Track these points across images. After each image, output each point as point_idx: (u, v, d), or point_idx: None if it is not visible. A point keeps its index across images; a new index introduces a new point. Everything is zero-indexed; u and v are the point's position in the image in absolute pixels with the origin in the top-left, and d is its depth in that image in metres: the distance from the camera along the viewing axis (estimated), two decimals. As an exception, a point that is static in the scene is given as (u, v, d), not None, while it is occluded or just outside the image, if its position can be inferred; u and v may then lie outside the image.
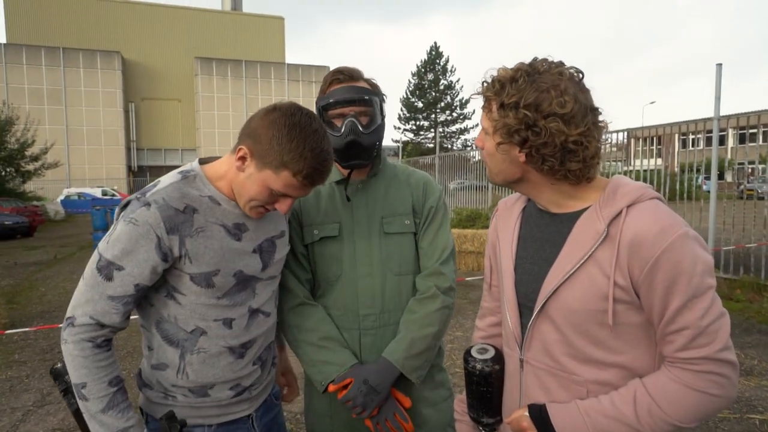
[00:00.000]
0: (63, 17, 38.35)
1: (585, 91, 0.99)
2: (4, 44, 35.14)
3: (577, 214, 1.03)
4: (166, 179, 1.24)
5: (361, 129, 1.41)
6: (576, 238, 1.00)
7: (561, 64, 1.00)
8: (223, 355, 1.26)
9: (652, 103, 57.36)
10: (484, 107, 1.05)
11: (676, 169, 9.46)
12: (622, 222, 0.94)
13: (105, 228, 11.91)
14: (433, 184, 1.60)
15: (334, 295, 1.50)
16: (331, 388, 1.42)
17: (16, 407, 3.68)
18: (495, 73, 1.03)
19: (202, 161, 1.32)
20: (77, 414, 1.19)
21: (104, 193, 27.61)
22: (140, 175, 38.08)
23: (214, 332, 1.25)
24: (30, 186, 24.77)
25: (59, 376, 1.24)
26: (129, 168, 38.52)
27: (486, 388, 1.15)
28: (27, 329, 5.47)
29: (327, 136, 1.21)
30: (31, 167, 22.49)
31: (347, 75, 1.47)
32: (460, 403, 1.31)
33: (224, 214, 1.25)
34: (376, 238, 1.50)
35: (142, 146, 39.91)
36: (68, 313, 1.17)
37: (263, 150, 1.17)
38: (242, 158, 1.20)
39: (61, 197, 26.98)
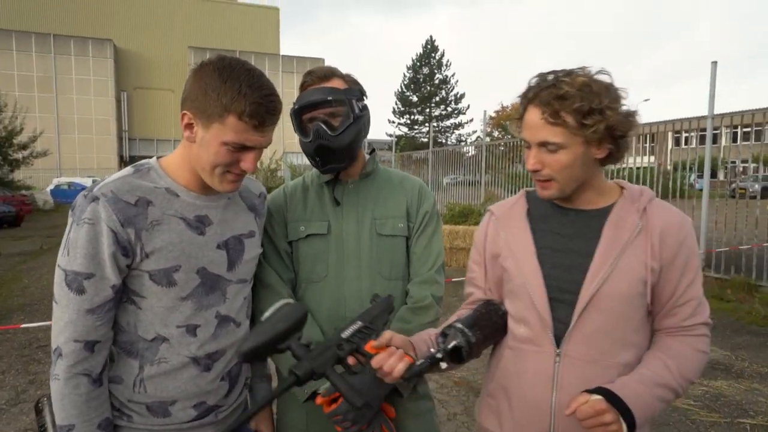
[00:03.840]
0: (54, 3, 37.74)
1: None
2: (-6, 30, 34.58)
3: (605, 210, 1.15)
4: (117, 174, 1.16)
5: (329, 132, 1.33)
6: (612, 230, 1.11)
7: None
8: (187, 368, 1.16)
9: (646, 100, 57.22)
10: (548, 122, 1.05)
11: (668, 167, 9.41)
12: (649, 215, 1.11)
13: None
14: (427, 189, 1.55)
15: (317, 297, 1.42)
16: (319, 400, 1.31)
17: (-11, 405, 3.56)
18: (558, 87, 1.05)
19: (161, 157, 1.24)
20: None
21: (95, 183, 27.23)
22: (132, 165, 37.72)
23: (177, 340, 1.15)
24: (19, 175, 24.40)
25: (39, 412, 1.16)
26: (121, 158, 38.08)
27: (499, 321, 1.22)
28: (8, 325, 5.35)
29: (264, 75, 1.12)
30: (19, 156, 22.15)
31: (317, 76, 1.40)
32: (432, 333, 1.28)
33: (183, 206, 1.16)
34: (366, 239, 1.42)
35: (134, 136, 39.49)
36: (53, 344, 1.08)
37: (202, 105, 1.07)
38: (189, 125, 1.11)
39: (51, 187, 26.62)
